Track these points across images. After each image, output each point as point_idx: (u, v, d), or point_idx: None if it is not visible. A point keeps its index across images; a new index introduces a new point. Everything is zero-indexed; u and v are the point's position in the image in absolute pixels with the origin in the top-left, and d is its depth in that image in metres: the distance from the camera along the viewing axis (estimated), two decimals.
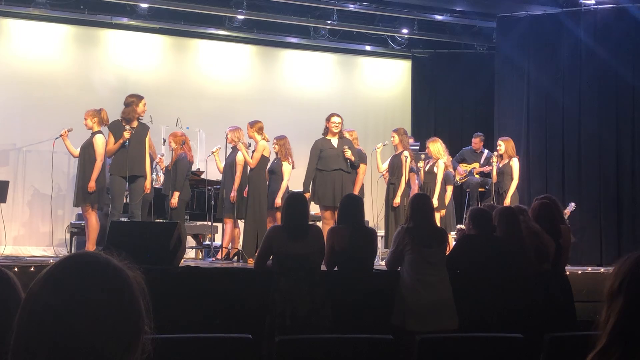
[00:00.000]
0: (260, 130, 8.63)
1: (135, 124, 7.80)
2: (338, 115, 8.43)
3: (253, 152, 8.58)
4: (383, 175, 9.34)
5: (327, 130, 8.39)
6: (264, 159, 8.53)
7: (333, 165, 8.23)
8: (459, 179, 10.51)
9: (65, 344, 1.21)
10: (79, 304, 1.23)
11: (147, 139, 7.95)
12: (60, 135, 8.23)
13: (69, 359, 1.21)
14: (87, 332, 1.21)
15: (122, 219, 7.79)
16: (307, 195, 8.23)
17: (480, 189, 10.34)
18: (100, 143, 7.75)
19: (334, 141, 8.33)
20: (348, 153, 8.20)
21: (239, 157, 8.59)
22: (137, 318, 1.29)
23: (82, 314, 1.22)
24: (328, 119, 8.41)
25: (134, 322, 1.28)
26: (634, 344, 1.58)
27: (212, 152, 9.01)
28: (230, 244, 8.73)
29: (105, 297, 1.25)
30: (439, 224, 7.56)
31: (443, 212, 8.99)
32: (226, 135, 8.77)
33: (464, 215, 10.29)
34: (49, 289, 1.25)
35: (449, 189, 9.25)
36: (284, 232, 5.28)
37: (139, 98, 7.87)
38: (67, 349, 1.21)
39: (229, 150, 8.81)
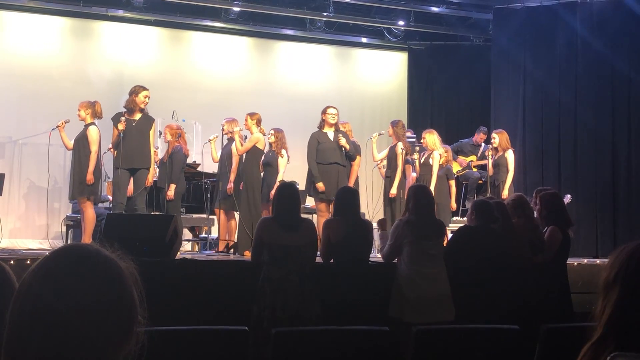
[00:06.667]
0: (258, 122, 8.62)
1: (137, 115, 7.73)
2: (334, 107, 8.41)
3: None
4: (377, 166, 9.33)
5: (322, 123, 8.37)
6: (257, 152, 8.51)
7: (330, 159, 8.22)
8: (457, 172, 10.52)
9: (57, 335, 1.21)
10: (70, 295, 1.23)
11: (151, 132, 7.80)
12: (57, 127, 8.20)
13: (62, 349, 1.21)
14: (79, 323, 1.21)
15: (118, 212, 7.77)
16: (321, 184, 8.12)
17: (479, 181, 10.36)
18: (94, 134, 7.61)
19: (330, 134, 8.32)
20: (342, 141, 8.18)
21: (234, 148, 8.58)
22: (130, 308, 1.29)
23: (73, 305, 1.22)
24: (324, 111, 8.39)
25: (127, 313, 1.28)
26: (629, 335, 1.59)
27: (209, 140, 8.98)
28: (226, 236, 8.72)
29: (97, 287, 1.25)
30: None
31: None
32: (222, 127, 8.76)
33: (460, 208, 10.34)
34: (40, 281, 1.25)
35: (452, 183, 9.33)
36: (275, 222, 5.25)
37: (141, 88, 7.78)
38: (60, 339, 1.21)
39: (225, 142, 8.79)
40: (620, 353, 1.56)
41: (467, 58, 13.04)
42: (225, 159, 8.66)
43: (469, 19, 12.85)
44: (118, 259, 1.32)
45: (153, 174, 8.07)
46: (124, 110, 7.77)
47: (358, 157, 8.64)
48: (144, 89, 7.81)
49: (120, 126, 7.56)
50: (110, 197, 8.67)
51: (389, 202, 8.63)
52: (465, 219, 7.44)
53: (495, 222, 5.67)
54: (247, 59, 13.03)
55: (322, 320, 5.10)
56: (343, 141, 8.20)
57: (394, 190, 8.50)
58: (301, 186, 8.50)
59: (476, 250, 5.56)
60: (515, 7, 11.69)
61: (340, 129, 8.48)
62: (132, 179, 7.76)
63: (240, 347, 3.37)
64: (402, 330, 4.77)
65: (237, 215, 8.63)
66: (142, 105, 7.75)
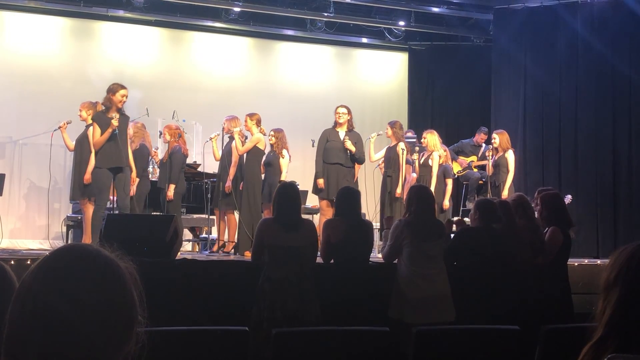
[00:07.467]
0: (258, 123, 8.62)
1: (114, 114, 7.35)
2: (343, 106, 8.42)
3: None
4: (379, 166, 9.32)
5: (335, 122, 8.40)
6: (258, 152, 8.50)
7: (333, 159, 8.23)
8: (457, 172, 10.51)
9: (57, 335, 1.21)
10: (70, 295, 1.23)
11: (127, 130, 7.57)
12: (59, 127, 8.18)
13: (62, 349, 1.21)
14: (79, 323, 1.21)
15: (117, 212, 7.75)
16: (321, 181, 8.18)
17: (479, 182, 10.36)
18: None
19: (341, 133, 8.32)
20: (347, 143, 8.19)
21: (234, 145, 8.58)
22: (130, 308, 1.29)
23: (73, 305, 1.22)
24: (335, 110, 8.43)
25: (127, 312, 1.28)
26: (630, 335, 1.58)
27: (211, 138, 8.97)
28: (225, 236, 8.72)
29: (96, 287, 1.25)
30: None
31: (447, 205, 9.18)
32: (223, 125, 8.75)
33: (460, 209, 10.35)
34: (40, 280, 1.25)
35: (449, 182, 9.31)
36: (275, 223, 5.24)
37: (119, 87, 7.39)
38: (60, 339, 1.21)
39: (226, 140, 8.79)
40: (618, 355, 1.56)
41: (467, 58, 13.03)
42: (226, 157, 8.66)
43: (470, 19, 12.84)
44: (118, 259, 1.32)
45: (140, 172, 8.00)
46: (103, 108, 7.40)
47: None
48: (122, 87, 7.42)
49: (115, 122, 7.19)
50: (111, 197, 8.61)
51: (389, 202, 8.62)
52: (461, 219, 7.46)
53: (498, 222, 5.67)
54: (248, 60, 13.02)
55: (322, 320, 5.10)
56: (348, 144, 8.19)
57: (399, 190, 8.48)
58: (302, 186, 8.50)
59: (477, 250, 5.56)
60: (516, 8, 11.68)
61: (354, 130, 8.45)
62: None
63: (241, 347, 3.37)
64: (402, 331, 4.77)
65: (236, 215, 8.63)
66: (119, 105, 7.35)
